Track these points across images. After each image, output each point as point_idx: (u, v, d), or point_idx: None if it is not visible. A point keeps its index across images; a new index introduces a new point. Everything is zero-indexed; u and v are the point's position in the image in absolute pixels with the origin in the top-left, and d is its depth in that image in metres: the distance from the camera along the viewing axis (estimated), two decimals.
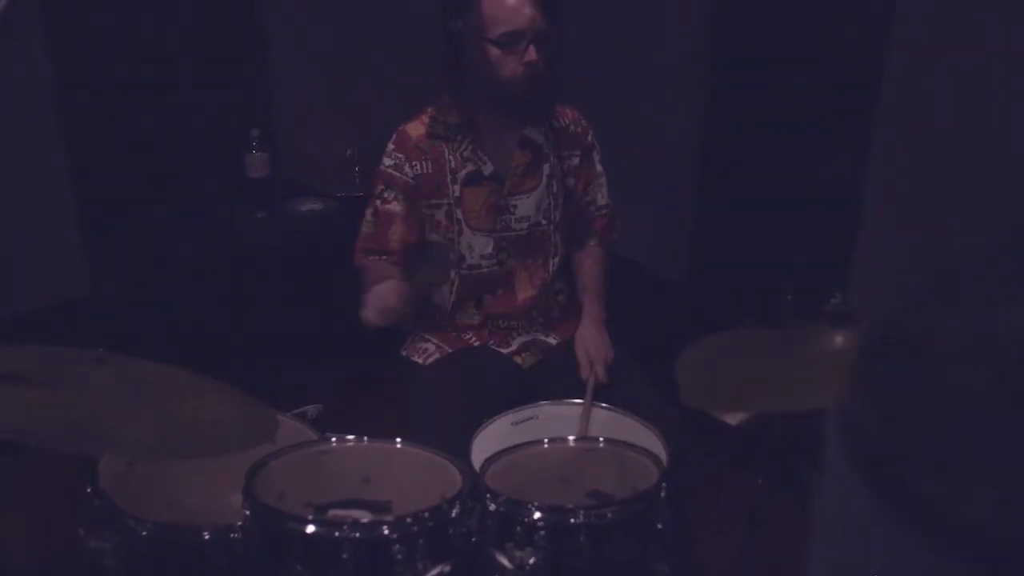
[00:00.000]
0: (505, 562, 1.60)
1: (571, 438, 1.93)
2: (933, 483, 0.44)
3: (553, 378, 2.42)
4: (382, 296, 2.23)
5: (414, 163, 2.40)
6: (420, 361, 2.52)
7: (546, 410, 2.22)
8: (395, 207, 2.41)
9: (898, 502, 0.45)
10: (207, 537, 1.72)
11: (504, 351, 2.52)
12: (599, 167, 2.58)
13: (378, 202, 2.44)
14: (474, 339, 2.53)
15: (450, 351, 2.50)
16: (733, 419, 1.67)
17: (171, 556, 1.76)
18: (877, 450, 0.47)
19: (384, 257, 2.43)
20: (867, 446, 0.48)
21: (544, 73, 2.31)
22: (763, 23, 3.28)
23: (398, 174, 2.41)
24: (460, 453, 1.91)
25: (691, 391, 1.70)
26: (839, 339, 1.65)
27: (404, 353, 2.58)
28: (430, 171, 2.41)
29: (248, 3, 3.78)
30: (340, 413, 3.01)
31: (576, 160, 2.52)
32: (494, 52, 2.28)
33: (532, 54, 2.27)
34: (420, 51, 3.05)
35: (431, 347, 2.53)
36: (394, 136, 2.45)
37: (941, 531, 0.44)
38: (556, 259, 2.54)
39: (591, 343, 2.44)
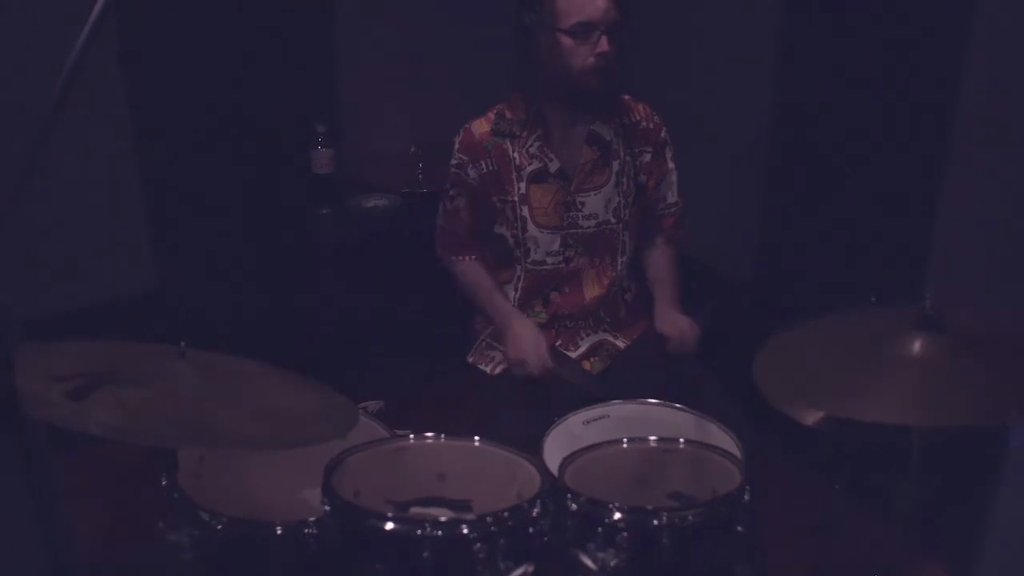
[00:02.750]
0: (589, 563, 1.58)
1: (652, 438, 1.90)
2: None
3: (622, 383, 2.38)
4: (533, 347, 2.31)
5: (479, 163, 2.41)
6: (488, 370, 2.51)
7: (617, 409, 2.20)
8: (460, 204, 2.47)
9: None
10: (280, 532, 1.72)
11: (572, 354, 2.50)
12: (671, 164, 2.54)
13: (447, 200, 2.50)
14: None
15: None
16: (810, 419, 1.62)
17: (245, 550, 1.76)
18: None
19: (468, 257, 2.52)
20: None
21: (615, 65, 2.29)
22: (836, 18, 3.23)
23: (461, 174, 2.45)
24: (531, 454, 1.89)
25: (769, 386, 1.66)
26: (921, 344, 1.60)
27: (471, 360, 2.57)
28: (494, 168, 2.40)
29: (315, 1, 3.79)
30: (401, 410, 3.00)
31: (648, 157, 2.49)
32: (567, 42, 2.27)
33: (605, 45, 2.26)
34: (485, 49, 3.05)
35: (498, 355, 2.51)
36: (460, 134, 2.45)
37: None
38: (624, 258, 2.52)
39: (674, 321, 2.42)
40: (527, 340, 2.32)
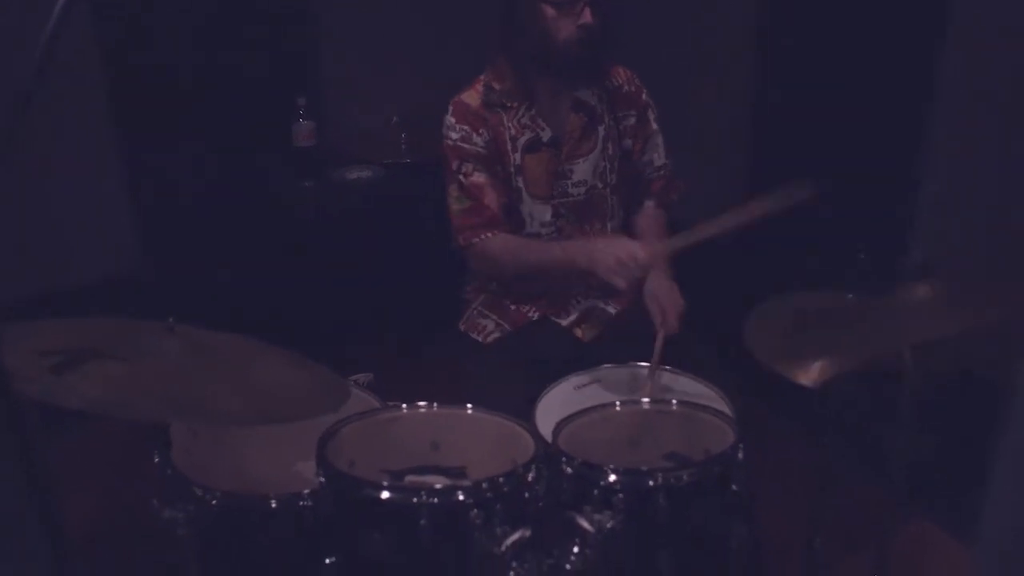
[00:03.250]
0: (586, 525, 1.59)
1: (645, 400, 1.90)
2: None
3: (613, 349, 2.37)
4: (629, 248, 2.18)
5: (480, 131, 2.36)
6: (480, 339, 2.50)
7: (608, 373, 2.20)
8: (479, 178, 2.35)
9: None
10: (275, 505, 1.72)
11: (563, 322, 2.49)
12: (655, 126, 2.53)
13: (461, 177, 2.36)
14: (532, 310, 2.50)
15: (509, 329, 2.48)
16: (808, 378, 1.63)
17: (241, 524, 1.76)
18: None
19: (496, 231, 2.36)
20: None
21: (598, 36, 2.27)
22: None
23: (468, 145, 2.36)
24: (526, 419, 1.89)
25: (762, 348, 1.67)
26: (920, 291, 1.61)
27: (463, 328, 2.56)
28: (492, 138, 2.37)
29: None
30: (391, 382, 3.00)
31: (632, 120, 2.48)
32: (550, 13, 2.25)
33: (588, 16, 2.24)
34: (466, 18, 3.03)
35: (490, 324, 2.50)
36: (451, 108, 2.40)
37: None
38: (613, 222, 2.51)
39: (662, 294, 2.36)
40: (607, 251, 2.20)
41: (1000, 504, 0.54)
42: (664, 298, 2.36)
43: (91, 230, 3.49)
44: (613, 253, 2.18)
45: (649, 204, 2.57)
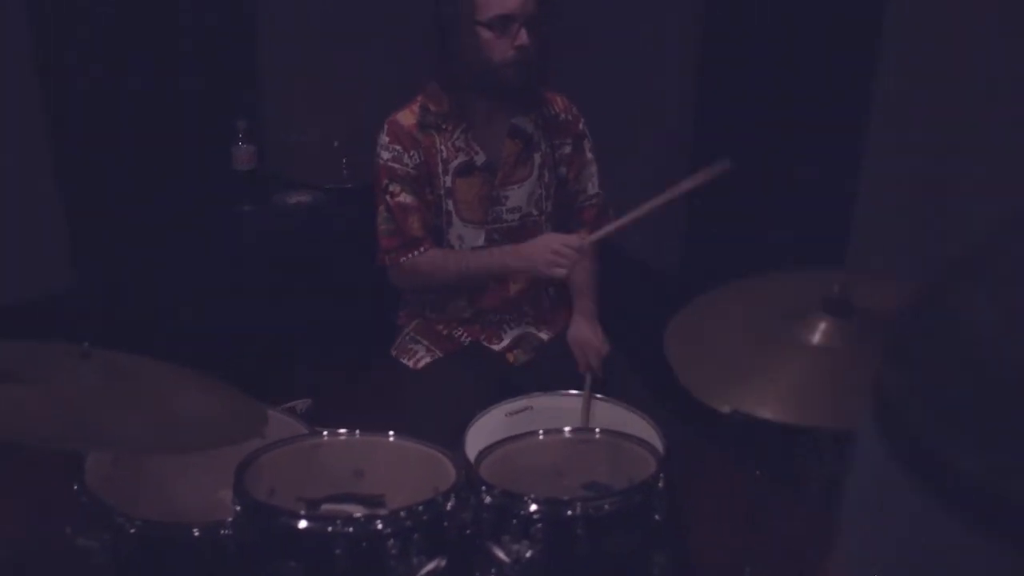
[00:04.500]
0: (501, 555, 1.58)
1: (567, 429, 1.90)
2: (973, 460, 0.42)
3: (545, 375, 2.38)
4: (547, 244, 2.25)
5: (411, 152, 2.35)
6: (410, 365, 2.49)
7: (540, 401, 2.20)
8: (405, 199, 2.34)
9: (937, 480, 0.43)
10: (197, 534, 1.69)
11: (495, 347, 2.49)
12: (589, 155, 2.53)
13: (388, 197, 2.35)
14: (464, 335, 2.49)
15: (440, 355, 2.47)
16: (724, 407, 1.63)
17: (161, 553, 1.73)
18: (915, 428, 0.45)
19: (420, 251, 2.36)
20: (904, 424, 0.46)
21: (534, 58, 2.28)
22: (756, 12, 3.26)
23: (399, 166, 2.35)
24: (454, 446, 1.88)
25: (682, 367, 1.66)
26: (831, 327, 1.61)
27: (394, 353, 2.55)
28: (423, 160, 2.36)
29: None
30: (330, 408, 2.97)
31: (568, 149, 2.49)
32: (485, 35, 2.25)
33: (523, 38, 2.24)
34: (405, 40, 3.03)
35: (421, 350, 2.49)
36: (386, 127, 2.38)
37: (981, 509, 0.42)
38: None
39: (584, 338, 2.41)
40: (539, 246, 2.27)
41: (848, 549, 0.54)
42: (586, 342, 2.39)
43: (22, 249, 3.43)
44: (546, 246, 2.24)
45: (581, 233, 2.57)
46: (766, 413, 1.52)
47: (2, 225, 3.36)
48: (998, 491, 0.41)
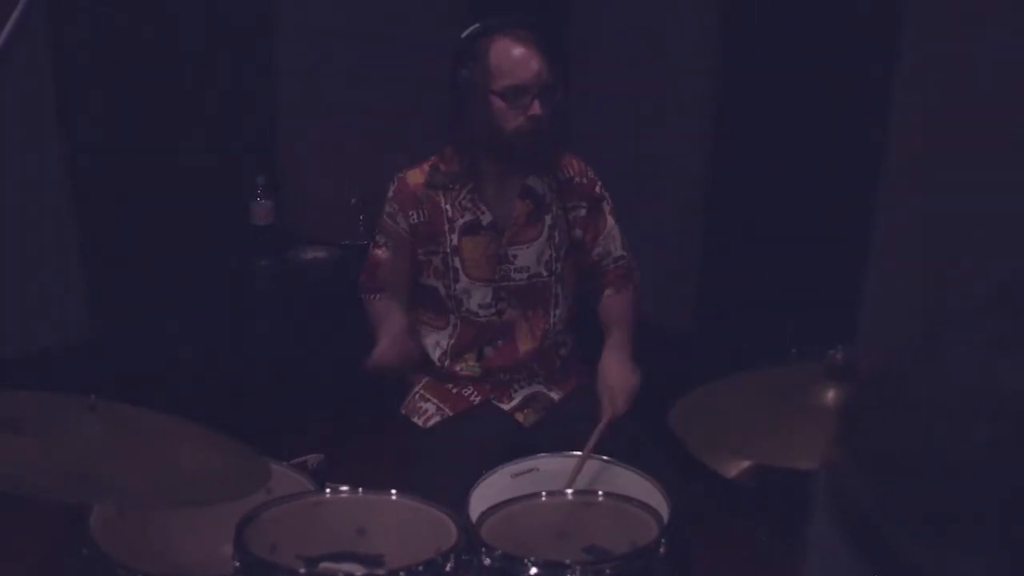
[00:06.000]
0: None
1: (569, 491, 1.89)
2: (917, 545, 0.42)
3: (555, 435, 2.36)
4: (389, 332, 2.36)
5: (410, 213, 2.41)
6: (420, 423, 2.49)
7: (546, 462, 2.19)
8: (382, 254, 2.47)
9: (882, 563, 0.43)
10: None
11: (505, 406, 2.48)
12: (611, 219, 2.53)
13: (373, 245, 2.51)
14: (474, 394, 2.49)
15: (450, 414, 2.47)
16: (730, 471, 1.63)
17: None
18: (862, 508, 0.45)
19: (379, 295, 2.50)
20: (852, 504, 0.46)
21: (548, 126, 2.30)
22: (770, 77, 3.29)
23: (392, 223, 2.45)
24: (458, 507, 1.87)
25: (688, 438, 1.66)
26: (833, 392, 1.61)
27: (404, 411, 2.56)
28: (427, 219, 2.40)
29: (255, 52, 3.80)
30: (342, 463, 2.97)
31: (583, 212, 2.50)
32: (498, 104, 2.28)
33: (536, 108, 2.27)
34: (424, 101, 3.07)
35: (431, 408, 2.49)
36: (394, 182, 2.45)
37: None
38: (558, 311, 2.51)
39: (613, 371, 2.38)
40: (390, 340, 2.36)
41: None
42: (614, 377, 2.37)
43: (41, 299, 3.47)
44: (390, 342, 2.35)
45: (608, 292, 2.57)
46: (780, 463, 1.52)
47: (22, 276, 3.40)
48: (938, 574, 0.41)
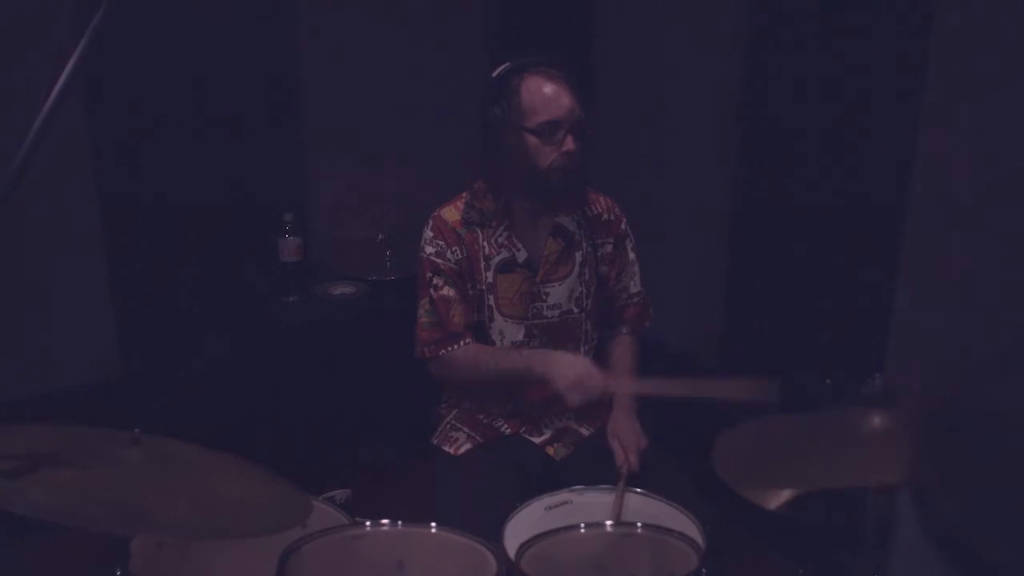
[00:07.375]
0: None
1: (608, 523, 1.89)
2: (1014, 555, 0.43)
3: (585, 469, 2.37)
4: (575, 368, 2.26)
5: (454, 248, 2.40)
6: (451, 451, 2.50)
7: (580, 495, 2.19)
8: (448, 292, 2.38)
9: (975, 573, 0.44)
10: None
11: (536, 440, 2.49)
12: (632, 255, 2.56)
13: (431, 290, 2.40)
14: (505, 427, 2.50)
15: (481, 441, 2.48)
16: (771, 502, 1.63)
17: None
18: (957, 525, 0.46)
19: (458, 344, 2.39)
20: (946, 521, 0.46)
21: (579, 163, 2.32)
22: (792, 111, 3.31)
23: (442, 260, 2.39)
24: (492, 539, 1.87)
25: (728, 472, 1.67)
26: (877, 420, 1.62)
27: (435, 442, 2.56)
28: (466, 256, 2.41)
29: (284, 91, 3.85)
30: (369, 498, 2.97)
31: (609, 248, 2.52)
32: (532, 141, 2.30)
33: (570, 144, 2.29)
34: (451, 138, 3.10)
35: (462, 436, 2.50)
36: (430, 222, 2.44)
37: None
38: (587, 346, 2.52)
39: (623, 432, 2.42)
40: (565, 365, 2.27)
41: None
42: (625, 437, 2.39)
43: (72, 336, 3.50)
44: (573, 368, 2.24)
45: (623, 331, 2.59)
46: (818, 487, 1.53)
47: (53, 313, 3.44)
48: None
